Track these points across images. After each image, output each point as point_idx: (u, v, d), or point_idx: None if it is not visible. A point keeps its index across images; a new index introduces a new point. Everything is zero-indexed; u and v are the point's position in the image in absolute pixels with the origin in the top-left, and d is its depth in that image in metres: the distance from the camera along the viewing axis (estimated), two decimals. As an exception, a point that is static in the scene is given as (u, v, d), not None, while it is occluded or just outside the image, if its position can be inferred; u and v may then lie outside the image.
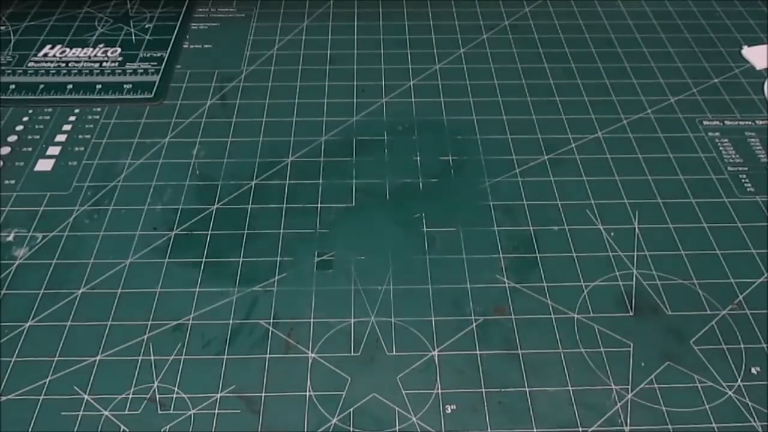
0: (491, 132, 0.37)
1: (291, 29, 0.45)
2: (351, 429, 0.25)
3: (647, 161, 0.35)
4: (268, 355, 0.27)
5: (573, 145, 0.36)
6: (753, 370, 0.27)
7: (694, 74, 0.41)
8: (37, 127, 0.37)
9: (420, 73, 0.41)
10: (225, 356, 0.27)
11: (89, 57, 0.42)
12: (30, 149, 0.36)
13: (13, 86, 0.39)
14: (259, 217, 0.32)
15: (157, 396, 0.26)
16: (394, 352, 0.27)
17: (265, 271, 0.30)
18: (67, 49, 0.42)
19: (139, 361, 0.27)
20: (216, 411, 0.25)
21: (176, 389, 0.26)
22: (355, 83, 0.40)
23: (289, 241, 0.31)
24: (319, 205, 0.33)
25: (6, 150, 0.35)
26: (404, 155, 0.36)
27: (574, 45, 0.43)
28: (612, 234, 0.32)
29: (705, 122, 0.38)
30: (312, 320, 0.28)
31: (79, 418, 0.25)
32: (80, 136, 0.36)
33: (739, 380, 0.26)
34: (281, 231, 0.32)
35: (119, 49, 0.42)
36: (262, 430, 0.25)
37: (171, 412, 0.25)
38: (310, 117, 0.38)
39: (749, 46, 0.43)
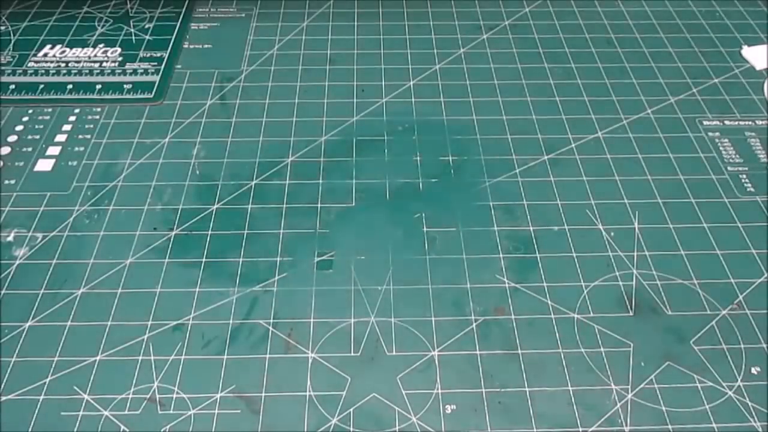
0: (491, 132, 0.37)
1: (291, 29, 0.45)
2: (351, 429, 0.25)
3: (647, 161, 0.35)
4: (268, 355, 0.27)
5: (573, 145, 0.36)
6: (753, 370, 0.27)
7: (694, 74, 0.41)
8: (37, 127, 0.37)
9: (420, 73, 0.41)
10: (225, 356, 0.27)
11: (89, 57, 0.42)
12: (30, 149, 0.36)
13: (13, 86, 0.39)
14: (259, 217, 0.32)
15: (157, 396, 0.26)
16: (394, 352, 0.27)
17: (265, 271, 0.30)
18: (67, 49, 0.42)
19: (139, 361, 0.27)
20: (216, 411, 0.25)
21: (176, 389, 0.26)
22: (355, 83, 0.40)
23: (289, 241, 0.31)
24: (319, 205, 0.33)
25: (6, 150, 0.35)
26: (404, 155, 0.36)
27: (574, 45, 0.43)
28: (612, 234, 0.32)
29: (705, 122, 0.38)
30: (312, 320, 0.28)
31: (79, 418, 0.25)
32: (80, 136, 0.36)
33: (739, 380, 0.27)
34: (281, 231, 0.32)
35: (119, 49, 0.42)
36: (262, 430, 0.25)
37: (171, 412, 0.25)
38: (310, 117, 0.38)
39: (749, 46, 0.43)
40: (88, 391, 0.26)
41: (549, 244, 0.31)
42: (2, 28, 0.44)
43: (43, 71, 0.40)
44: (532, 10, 0.47)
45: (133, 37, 0.44)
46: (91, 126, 0.37)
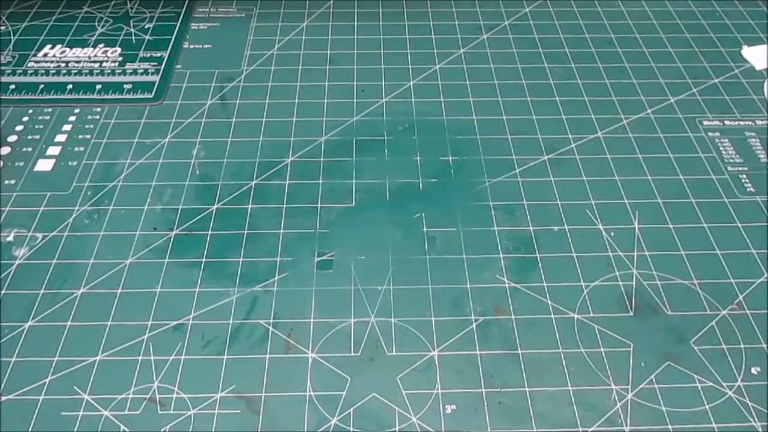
0: (491, 132, 0.37)
1: (291, 29, 0.45)
2: (351, 429, 0.25)
3: (647, 161, 0.35)
4: (268, 355, 0.27)
5: (573, 145, 0.36)
6: (753, 370, 0.27)
7: (694, 74, 0.41)
8: (37, 127, 0.37)
9: (420, 73, 0.41)
10: (225, 356, 0.27)
11: (89, 57, 0.42)
12: (30, 149, 0.36)
13: (13, 86, 0.39)
14: (259, 217, 0.32)
15: (157, 396, 0.26)
16: (394, 352, 0.27)
17: (265, 271, 0.30)
18: (67, 49, 0.42)
19: (139, 361, 0.27)
20: (216, 411, 0.25)
21: (176, 389, 0.26)
22: (355, 83, 0.40)
23: (289, 241, 0.31)
24: (319, 205, 0.33)
25: (6, 150, 0.35)
26: (404, 155, 0.36)
27: (574, 45, 0.43)
28: (612, 234, 0.32)
29: (705, 122, 0.38)
30: (312, 320, 0.28)
31: (79, 418, 0.25)
32: (80, 136, 0.36)
33: (739, 380, 0.27)
34: (281, 231, 0.32)
35: (119, 49, 0.42)
36: (262, 430, 0.25)
37: (171, 412, 0.25)
38: (310, 117, 0.38)
39: (749, 46, 0.43)
40: (88, 391, 0.26)
41: (549, 244, 0.31)
42: (2, 28, 0.44)
43: (43, 71, 0.40)
44: (532, 10, 0.47)
45: (133, 37, 0.44)
46: (91, 126, 0.37)
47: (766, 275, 0.30)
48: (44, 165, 0.35)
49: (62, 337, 0.27)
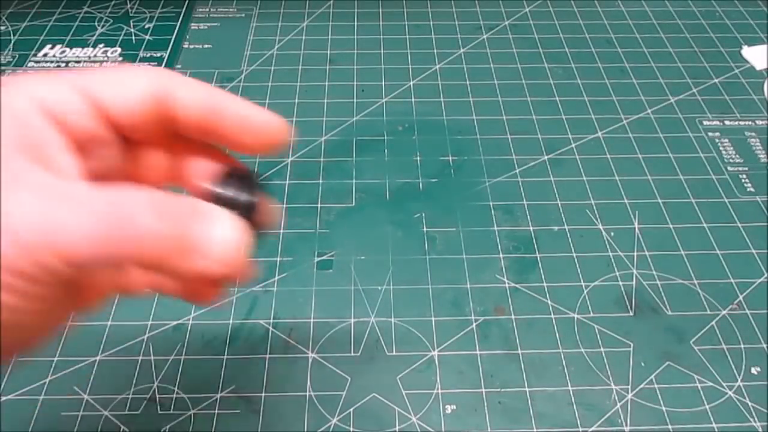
0: (491, 132, 0.37)
1: (291, 29, 0.44)
2: (351, 429, 0.25)
3: (647, 161, 0.35)
4: (268, 355, 0.27)
5: (573, 145, 0.36)
6: (753, 370, 0.27)
7: (694, 74, 0.41)
8: (37, 127, 0.37)
9: (420, 73, 0.41)
10: (225, 356, 0.27)
11: (89, 57, 0.42)
12: (30, 149, 0.36)
13: (13, 86, 0.39)
14: (259, 217, 0.32)
15: (157, 396, 0.26)
16: (394, 352, 0.27)
17: (265, 271, 0.30)
18: (67, 49, 0.42)
19: (139, 361, 0.27)
20: (216, 411, 0.25)
21: (176, 389, 0.26)
22: (355, 83, 0.40)
23: (289, 241, 0.31)
24: (319, 205, 0.33)
25: (6, 150, 0.35)
26: (404, 155, 0.36)
27: (574, 45, 0.43)
28: (612, 234, 0.32)
29: (705, 122, 0.38)
30: (312, 320, 0.28)
31: (79, 418, 0.25)
32: (80, 136, 0.36)
33: (739, 380, 0.26)
34: (281, 231, 0.32)
35: (119, 49, 0.42)
36: (262, 430, 0.25)
37: (171, 412, 0.25)
38: (310, 117, 0.38)
39: (749, 46, 0.43)
40: (88, 391, 0.26)
41: (549, 244, 0.31)
42: (2, 28, 0.44)
43: (43, 71, 0.40)
44: (532, 10, 0.47)
45: (133, 37, 0.44)
46: (91, 126, 0.37)
47: (766, 275, 0.30)
48: (44, 165, 0.35)
49: (62, 337, 0.27)
